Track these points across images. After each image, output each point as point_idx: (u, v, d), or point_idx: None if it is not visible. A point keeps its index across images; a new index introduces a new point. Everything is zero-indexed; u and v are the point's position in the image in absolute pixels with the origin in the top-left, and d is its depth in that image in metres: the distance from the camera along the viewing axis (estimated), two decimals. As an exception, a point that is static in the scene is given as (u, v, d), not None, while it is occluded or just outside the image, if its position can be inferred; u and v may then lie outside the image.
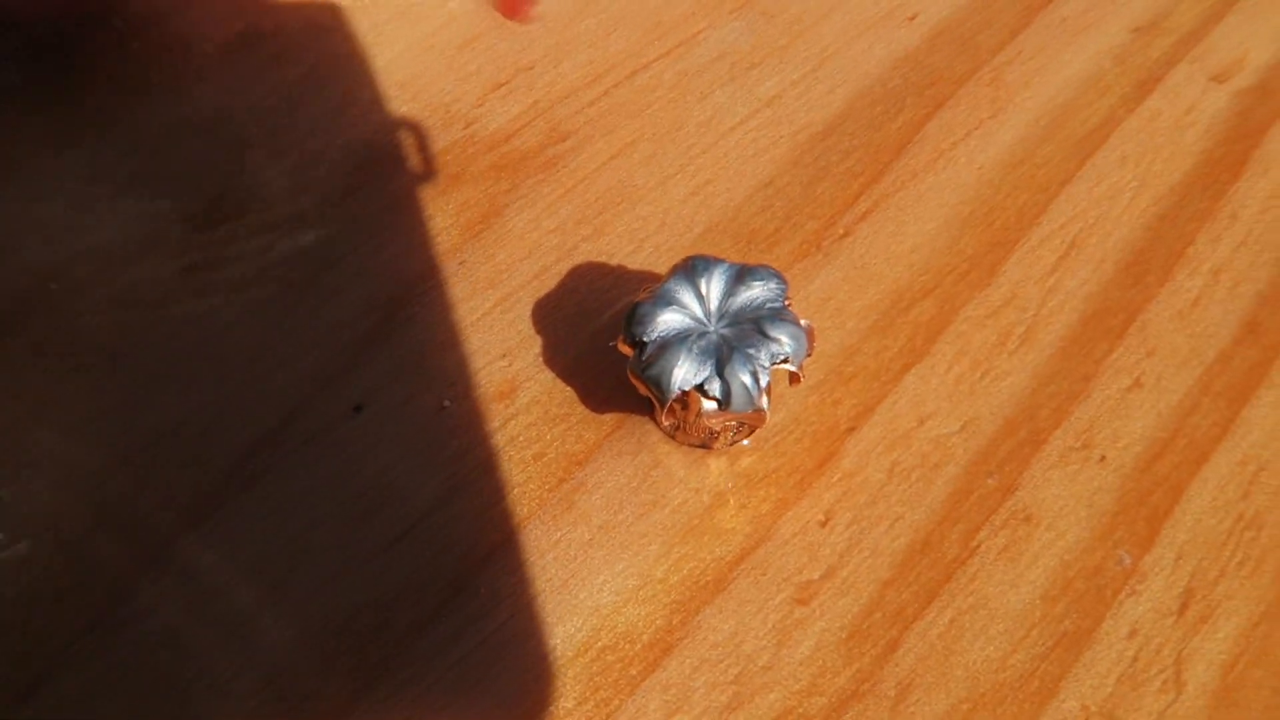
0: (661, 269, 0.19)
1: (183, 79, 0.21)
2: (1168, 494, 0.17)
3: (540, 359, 0.18)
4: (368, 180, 0.20)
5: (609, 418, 0.17)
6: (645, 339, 0.16)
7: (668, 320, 0.16)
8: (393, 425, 0.17)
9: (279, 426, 0.17)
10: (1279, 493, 0.17)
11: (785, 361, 0.16)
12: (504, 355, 0.18)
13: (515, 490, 0.17)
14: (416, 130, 0.20)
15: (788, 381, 0.16)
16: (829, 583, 0.16)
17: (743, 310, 0.16)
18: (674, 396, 0.15)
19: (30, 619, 0.15)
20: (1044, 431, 0.18)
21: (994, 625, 0.16)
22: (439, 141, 0.20)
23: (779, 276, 0.16)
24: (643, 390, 0.16)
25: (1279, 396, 0.18)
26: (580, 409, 0.17)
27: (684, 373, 0.15)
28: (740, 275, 0.16)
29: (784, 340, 0.15)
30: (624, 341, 0.16)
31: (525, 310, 0.18)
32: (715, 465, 0.17)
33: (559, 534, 0.16)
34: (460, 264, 0.19)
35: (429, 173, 0.20)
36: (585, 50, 0.22)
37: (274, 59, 0.21)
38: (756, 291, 0.16)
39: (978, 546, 0.17)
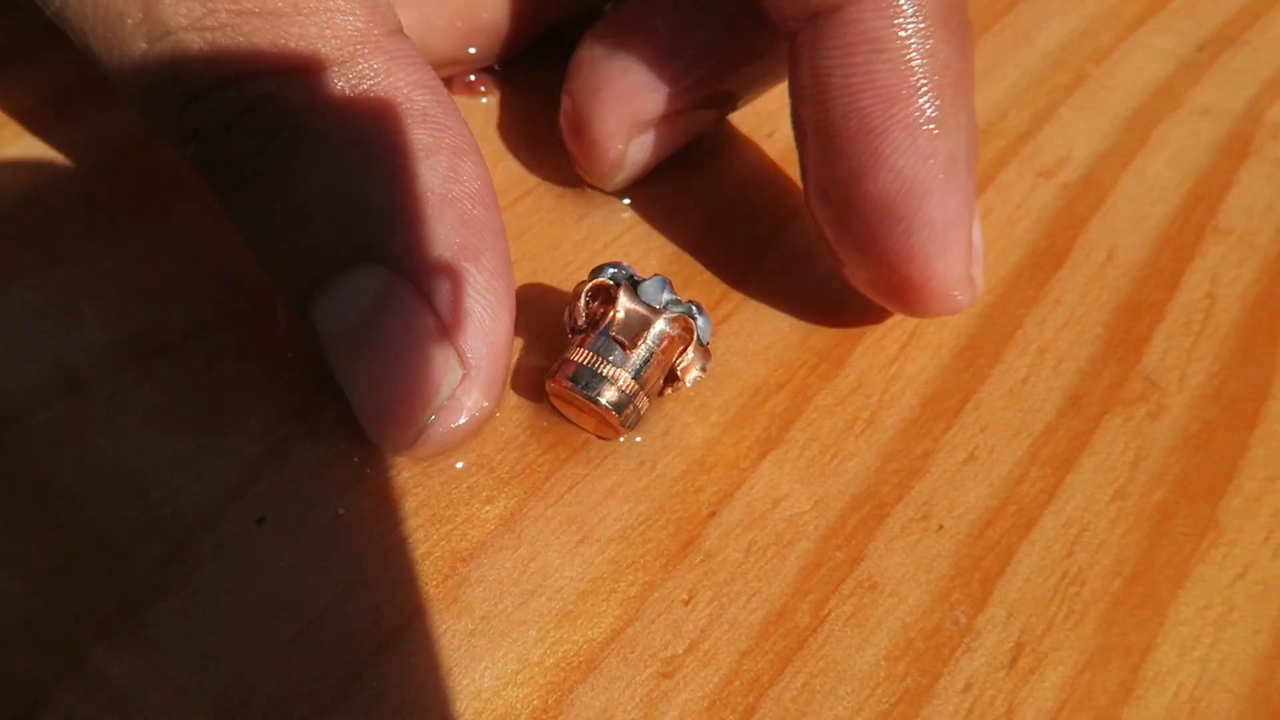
0: (540, 382, 0.21)
1: (108, 235, 0.23)
2: (999, 557, 0.19)
3: (428, 468, 0.20)
4: (271, 311, 0.22)
5: (492, 516, 0.19)
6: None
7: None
8: (292, 534, 0.19)
9: (188, 539, 0.19)
10: (1099, 550, 0.19)
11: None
12: (394, 465, 0.20)
13: (404, 588, 0.18)
14: (317, 261, 0.22)
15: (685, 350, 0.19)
16: (692, 656, 0.18)
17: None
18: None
19: (-47, 734, 0.17)
20: (887, 505, 0.20)
21: (842, 687, 0.18)
22: (338, 270, 0.22)
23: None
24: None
25: (1099, 462, 0.20)
26: (465, 509, 0.19)
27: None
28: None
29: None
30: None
31: (415, 421, 0.20)
32: (588, 553, 0.19)
33: (444, 626, 0.18)
34: (356, 382, 0.21)
35: (329, 299, 0.22)
36: (471, 180, 0.24)
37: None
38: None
39: (827, 615, 0.18)
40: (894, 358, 0.21)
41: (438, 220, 0.18)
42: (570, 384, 0.19)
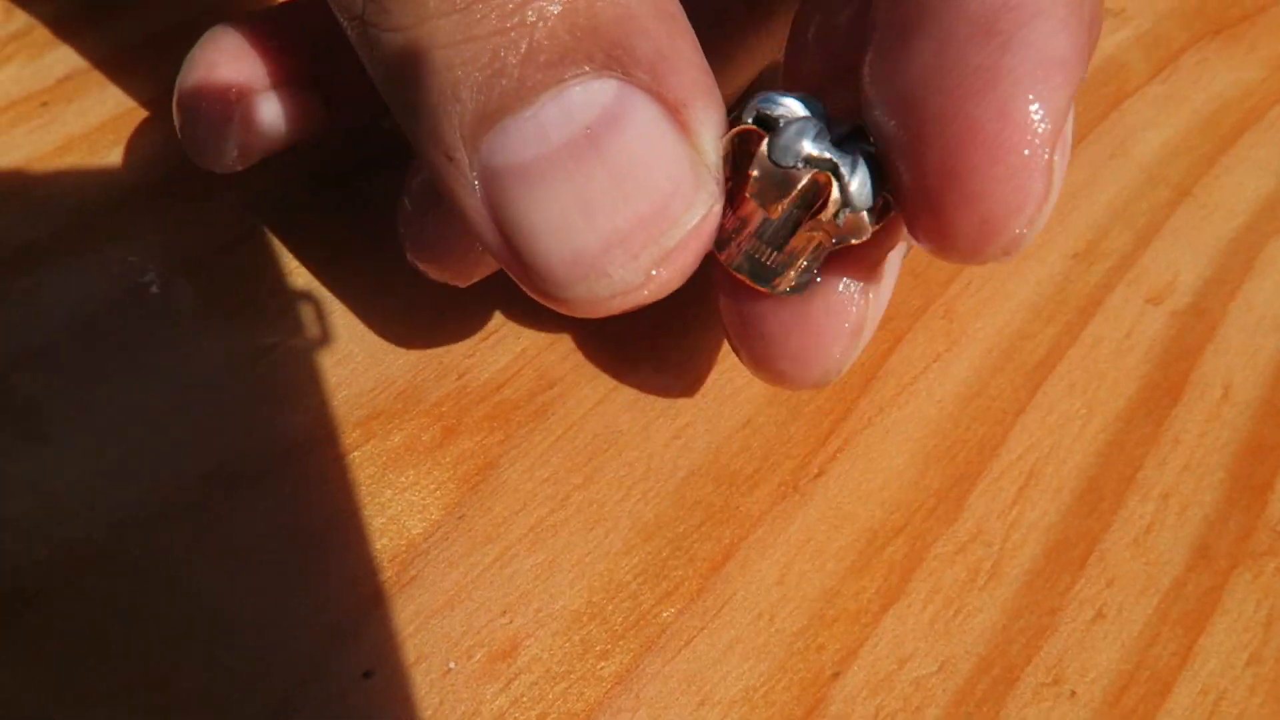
0: (649, 515, 0.20)
1: (202, 342, 0.22)
2: (1135, 726, 0.18)
3: (539, 614, 0.19)
4: (370, 436, 0.21)
5: (608, 673, 0.18)
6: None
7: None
8: (401, 690, 0.18)
9: (292, 693, 0.18)
10: (1239, 720, 0.19)
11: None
12: (504, 612, 0.19)
13: (521, 754, 0.17)
14: (413, 383, 0.22)
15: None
16: (824, 836, 0.17)
17: None
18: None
19: None
20: (1016, 668, 0.19)
21: None
22: (434, 393, 0.22)
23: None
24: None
25: (1232, 623, 0.20)
26: (580, 665, 0.18)
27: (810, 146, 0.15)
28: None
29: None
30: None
31: (524, 564, 0.19)
32: (710, 717, 0.18)
33: (565, 798, 0.17)
34: (459, 519, 0.20)
35: (426, 425, 0.21)
36: (569, 297, 0.23)
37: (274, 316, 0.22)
38: None
39: (962, 790, 0.18)
40: (1013, 500, 0.21)
41: (681, 38, 0.16)
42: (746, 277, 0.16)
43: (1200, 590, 0.20)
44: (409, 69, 0.16)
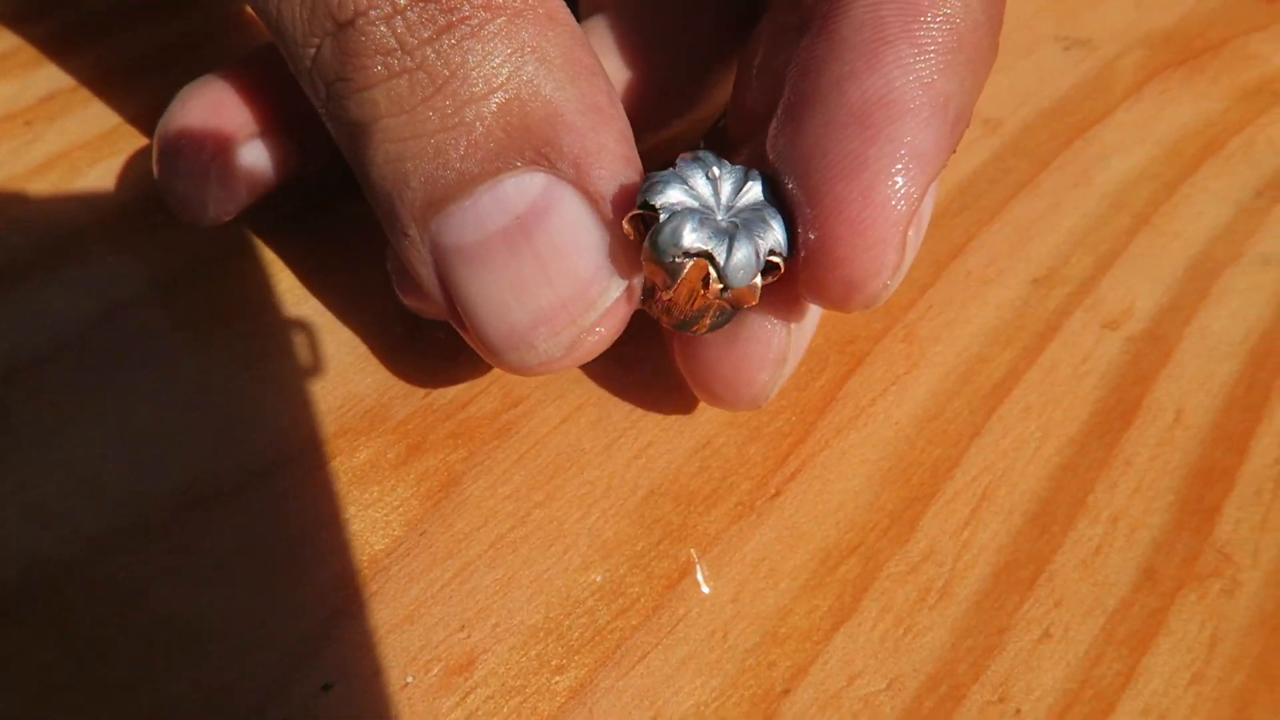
0: (608, 533, 0.21)
1: (177, 361, 0.22)
2: (1078, 744, 0.19)
3: (497, 629, 0.19)
4: (337, 453, 0.21)
5: (563, 687, 0.19)
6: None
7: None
8: (360, 703, 0.18)
9: (255, 708, 0.18)
10: (1179, 739, 0.19)
11: (773, 254, 0.17)
12: (462, 627, 0.19)
13: (474, 767, 0.18)
14: (380, 401, 0.22)
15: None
16: None
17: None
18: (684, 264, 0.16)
19: None
20: (964, 686, 0.19)
21: None
22: (400, 411, 0.22)
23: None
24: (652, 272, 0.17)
25: (1175, 643, 0.20)
26: (535, 679, 0.19)
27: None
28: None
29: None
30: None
31: (483, 580, 0.20)
32: (661, 732, 0.18)
33: (516, 810, 0.17)
34: (421, 535, 0.20)
35: (392, 443, 0.22)
36: (536, 318, 0.24)
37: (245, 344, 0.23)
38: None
39: (906, 806, 0.18)
40: (965, 521, 0.21)
41: (605, 130, 0.17)
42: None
43: (1146, 611, 0.20)
44: (366, 157, 0.18)
